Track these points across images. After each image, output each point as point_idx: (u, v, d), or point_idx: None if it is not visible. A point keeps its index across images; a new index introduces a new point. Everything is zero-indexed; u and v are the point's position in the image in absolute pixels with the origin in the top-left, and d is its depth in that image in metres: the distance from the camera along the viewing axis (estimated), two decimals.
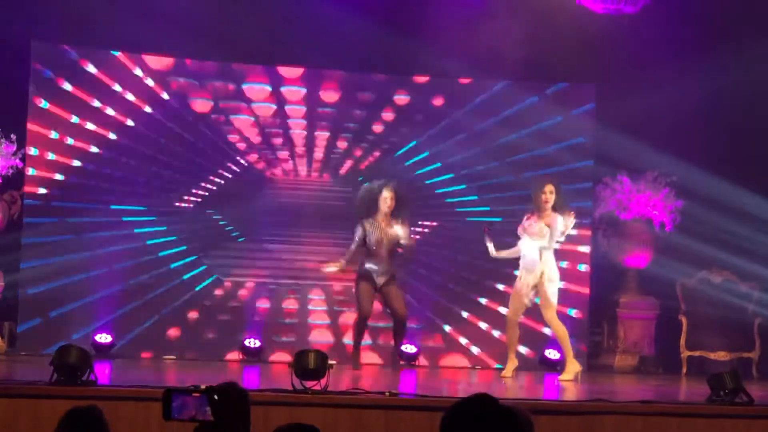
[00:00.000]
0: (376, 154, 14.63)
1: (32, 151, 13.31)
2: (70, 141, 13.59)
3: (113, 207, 13.74)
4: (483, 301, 14.34)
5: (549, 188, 11.94)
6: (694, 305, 14.18)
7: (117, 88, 13.84)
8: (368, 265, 12.37)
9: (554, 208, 11.88)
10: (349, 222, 12.77)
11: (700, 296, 14.15)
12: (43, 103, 13.46)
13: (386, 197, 12.37)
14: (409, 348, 13.63)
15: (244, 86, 14.31)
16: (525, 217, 12.03)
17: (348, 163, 14.57)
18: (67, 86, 13.60)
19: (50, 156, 13.50)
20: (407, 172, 14.38)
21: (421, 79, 14.65)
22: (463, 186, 14.50)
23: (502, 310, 13.24)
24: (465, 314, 14.37)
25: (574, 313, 14.08)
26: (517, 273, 12.06)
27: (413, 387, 11.05)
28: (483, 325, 14.28)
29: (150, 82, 14.02)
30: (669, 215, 14.07)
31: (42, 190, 13.46)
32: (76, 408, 4.96)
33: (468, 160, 14.45)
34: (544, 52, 13.80)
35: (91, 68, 13.73)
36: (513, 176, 14.17)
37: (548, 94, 14.55)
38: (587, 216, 14.22)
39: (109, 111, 13.77)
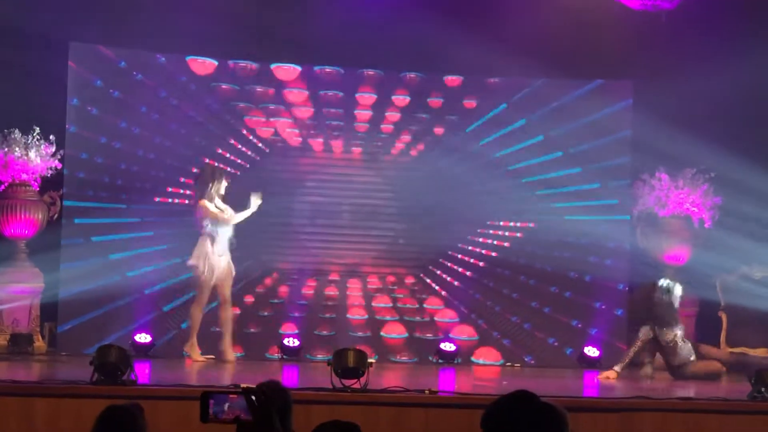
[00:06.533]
0: (412, 154, 14.62)
1: (71, 151, 13.38)
2: (103, 140, 13.67)
3: (151, 207, 13.77)
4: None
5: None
6: (734, 301, 14.07)
7: (157, 89, 13.95)
8: None
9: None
10: (387, 220, 12.86)
11: (741, 292, 14.03)
12: (80, 104, 13.55)
13: None
14: (447, 346, 13.60)
15: (283, 89, 14.40)
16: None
17: (384, 160, 14.61)
18: (104, 86, 13.68)
19: (83, 155, 13.58)
20: (441, 171, 14.37)
21: (456, 78, 14.62)
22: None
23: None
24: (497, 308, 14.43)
25: (620, 312, 14.08)
26: None
27: (452, 384, 11.03)
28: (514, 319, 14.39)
29: (190, 84, 14.12)
30: (708, 211, 13.99)
31: (80, 191, 13.55)
32: (112, 406, 4.98)
33: (505, 158, 14.39)
34: (580, 49, 13.74)
35: (128, 69, 13.81)
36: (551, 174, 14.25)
37: (585, 92, 14.48)
38: (626, 212, 14.22)
39: (148, 111, 13.87)
